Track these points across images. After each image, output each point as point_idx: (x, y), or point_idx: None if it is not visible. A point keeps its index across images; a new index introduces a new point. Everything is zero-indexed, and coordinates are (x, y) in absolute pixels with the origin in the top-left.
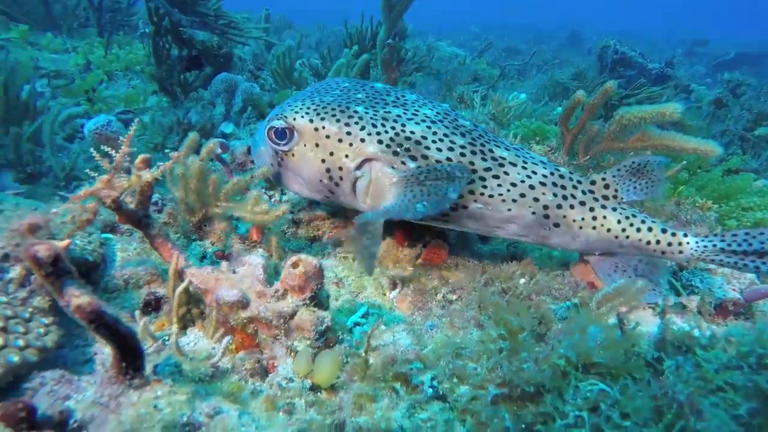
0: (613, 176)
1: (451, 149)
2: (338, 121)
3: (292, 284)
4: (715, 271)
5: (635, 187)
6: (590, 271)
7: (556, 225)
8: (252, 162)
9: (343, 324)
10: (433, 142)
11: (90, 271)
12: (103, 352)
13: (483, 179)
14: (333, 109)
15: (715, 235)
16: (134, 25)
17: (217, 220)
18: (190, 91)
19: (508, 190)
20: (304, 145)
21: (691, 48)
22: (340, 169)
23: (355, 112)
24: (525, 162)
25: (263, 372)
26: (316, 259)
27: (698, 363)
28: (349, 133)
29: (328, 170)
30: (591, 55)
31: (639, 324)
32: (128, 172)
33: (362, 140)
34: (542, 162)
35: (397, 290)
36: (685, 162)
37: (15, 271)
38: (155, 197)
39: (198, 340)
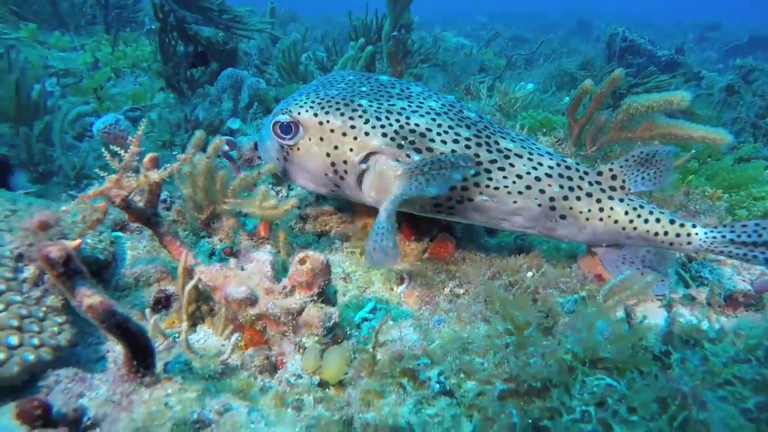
0: (621, 167)
1: (456, 141)
2: (342, 114)
3: (299, 280)
4: (724, 262)
5: (643, 178)
6: (598, 264)
7: (563, 217)
8: (259, 158)
9: (351, 320)
10: (438, 134)
11: (101, 270)
12: (115, 349)
13: (488, 171)
14: (337, 103)
15: (725, 225)
16: (140, 21)
17: (225, 216)
18: (197, 87)
19: (514, 182)
20: (309, 139)
21: (703, 33)
22: (345, 162)
23: (360, 105)
24: (531, 153)
25: (272, 368)
26: (323, 255)
27: (705, 356)
28: (353, 127)
29: (333, 164)
30: (599, 42)
31: (647, 317)
32: (137, 171)
33: (366, 133)
34: (548, 153)
35: (404, 285)
36: (694, 151)
37: (29, 271)
38: (164, 195)
39: (207, 337)
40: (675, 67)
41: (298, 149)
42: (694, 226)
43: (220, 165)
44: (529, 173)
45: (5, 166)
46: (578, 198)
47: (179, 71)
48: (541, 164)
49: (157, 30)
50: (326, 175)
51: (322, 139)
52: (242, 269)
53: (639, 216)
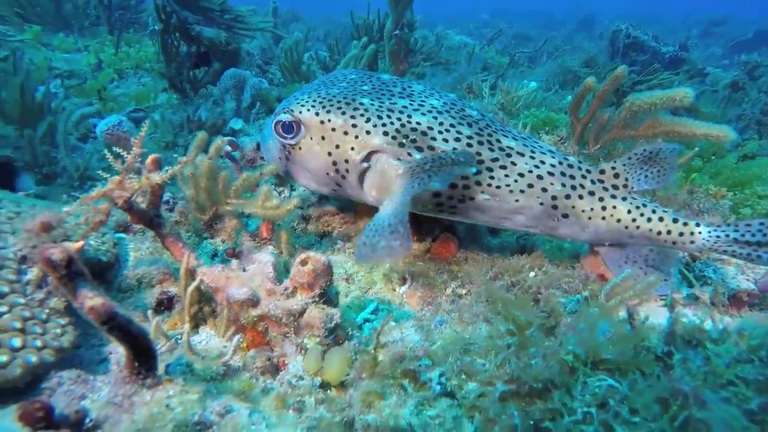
0: (623, 165)
1: (457, 140)
2: (344, 113)
3: (301, 281)
4: (728, 261)
5: (646, 176)
6: (600, 263)
7: (565, 216)
8: (262, 158)
9: (353, 320)
10: (440, 132)
11: (104, 271)
12: (118, 351)
13: (490, 170)
14: (339, 102)
15: (728, 224)
16: (143, 22)
17: (227, 217)
18: (200, 87)
19: (516, 181)
20: (311, 138)
21: (708, 28)
22: (347, 161)
23: (361, 104)
24: (533, 152)
25: (274, 370)
26: (324, 256)
27: (708, 357)
28: (354, 126)
29: (334, 163)
30: (603, 39)
31: (649, 317)
32: (140, 172)
33: (368, 132)
34: (551, 151)
35: (406, 285)
36: (697, 149)
37: (32, 273)
38: (166, 196)
39: (210, 339)
40: (679, 63)
41: (300, 148)
42: (697, 225)
43: (222, 166)
44: (531, 172)
45: (11, 169)
46: (580, 197)
47: (182, 72)
48: (543, 162)
49: (160, 31)
50: (328, 174)
51: (323, 138)
52: (244, 270)
53: (642, 215)
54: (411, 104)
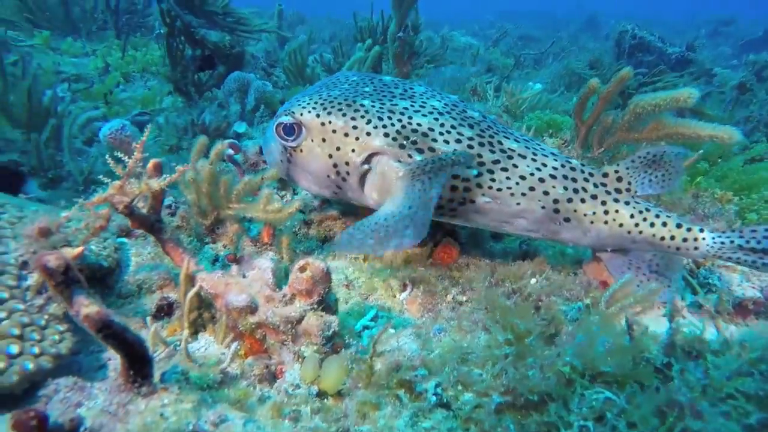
0: (627, 168)
1: (458, 141)
2: (344, 115)
3: (299, 288)
4: (733, 268)
5: (650, 180)
6: (603, 270)
7: (567, 219)
8: (264, 162)
9: (351, 328)
10: (441, 134)
11: (105, 277)
12: (116, 357)
13: (491, 172)
14: (339, 104)
15: (733, 230)
16: (150, 26)
17: (229, 222)
18: (205, 90)
19: (517, 183)
20: (312, 141)
21: (717, 28)
22: (347, 163)
23: (362, 105)
24: (535, 154)
25: (272, 378)
26: (323, 262)
27: (708, 369)
28: (355, 127)
29: (335, 165)
30: (609, 40)
31: (650, 327)
32: (142, 177)
33: (368, 134)
34: (553, 154)
35: (407, 292)
36: (702, 151)
37: (33, 279)
38: (169, 201)
39: (209, 345)
40: (686, 64)
41: (301, 151)
42: (701, 230)
43: (224, 170)
44: (532, 174)
45: (17, 174)
46: (583, 200)
47: (187, 75)
48: (545, 165)
49: (165, 35)
50: (328, 176)
51: (324, 140)
52: (244, 276)
53: (645, 219)
54: (412, 106)
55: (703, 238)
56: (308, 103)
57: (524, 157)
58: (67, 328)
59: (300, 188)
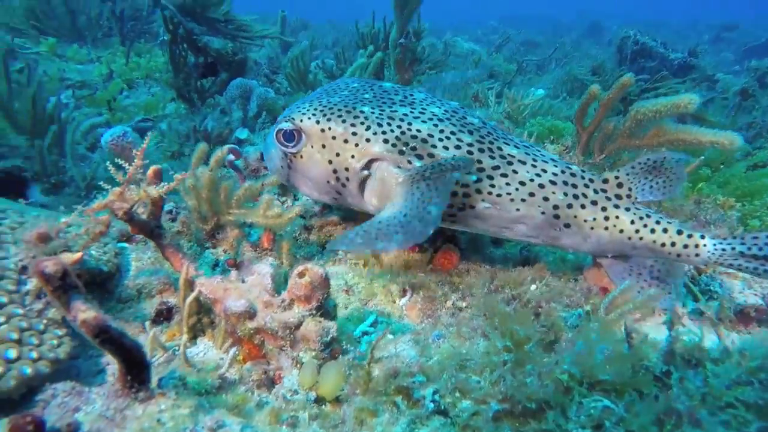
0: (627, 174)
1: (458, 147)
2: (344, 121)
3: (298, 294)
4: (735, 275)
5: (651, 186)
6: (604, 276)
7: (567, 225)
8: (266, 168)
9: (350, 334)
10: (440, 140)
11: (105, 281)
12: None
13: (491, 177)
14: (339, 110)
15: (735, 237)
16: (155, 32)
17: (229, 227)
18: (207, 97)
19: (517, 189)
20: (312, 147)
21: (719, 34)
22: (347, 169)
23: (361, 112)
24: (535, 160)
25: (270, 383)
26: (322, 268)
27: (707, 377)
28: (354, 134)
29: (334, 171)
30: (611, 46)
31: (650, 334)
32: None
33: (368, 140)
34: (553, 160)
35: (406, 297)
36: (703, 157)
37: (32, 283)
38: (170, 206)
39: (207, 350)
40: (688, 70)
41: (301, 157)
42: (702, 237)
43: (225, 176)
44: (532, 180)
45: (21, 180)
46: (583, 206)
47: (190, 82)
48: (545, 171)
49: (168, 42)
50: (328, 182)
51: (324, 146)
52: (243, 281)
53: (645, 225)
54: (412, 112)
55: (704, 245)
56: (308, 110)
57: (524, 163)
58: (65, 332)
59: (301, 194)
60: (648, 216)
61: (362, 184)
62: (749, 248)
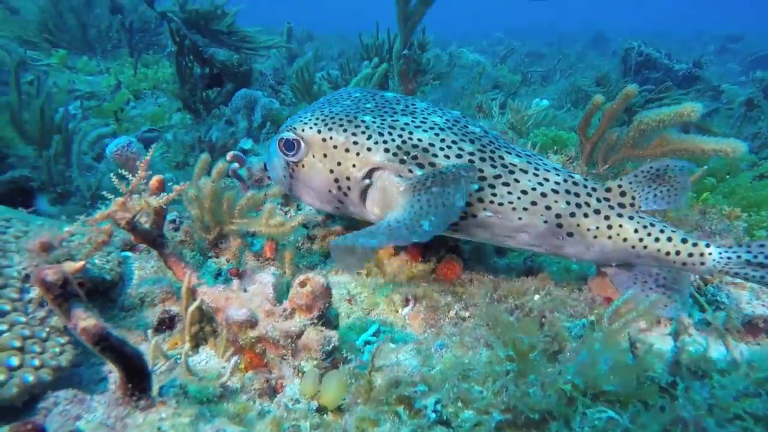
0: (630, 183)
1: (459, 156)
2: (345, 131)
3: (299, 303)
4: (743, 286)
5: (655, 195)
6: (608, 286)
7: (570, 234)
8: (269, 178)
9: (352, 343)
10: (441, 149)
11: (108, 290)
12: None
13: (492, 186)
14: (341, 119)
15: (740, 245)
16: (163, 44)
17: (232, 236)
18: (213, 107)
19: (519, 198)
20: (313, 156)
21: (725, 45)
22: (348, 179)
23: (363, 121)
24: (537, 169)
25: (272, 392)
26: (324, 278)
27: (714, 388)
28: (355, 143)
29: (336, 180)
30: (616, 57)
31: (654, 345)
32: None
33: (369, 149)
34: (555, 169)
35: (409, 307)
36: (706, 167)
37: (35, 291)
38: (173, 215)
39: (209, 359)
40: (693, 81)
41: (303, 166)
42: (707, 245)
43: (228, 186)
44: (534, 189)
45: (28, 189)
46: (585, 215)
47: (195, 93)
48: (547, 180)
49: (175, 53)
50: (330, 191)
51: (325, 155)
52: (245, 291)
53: (649, 234)
54: (413, 121)
55: (710, 253)
56: (310, 119)
57: (526, 172)
58: (67, 340)
59: (303, 204)
60: (652, 224)
61: (364, 193)
62: (755, 257)
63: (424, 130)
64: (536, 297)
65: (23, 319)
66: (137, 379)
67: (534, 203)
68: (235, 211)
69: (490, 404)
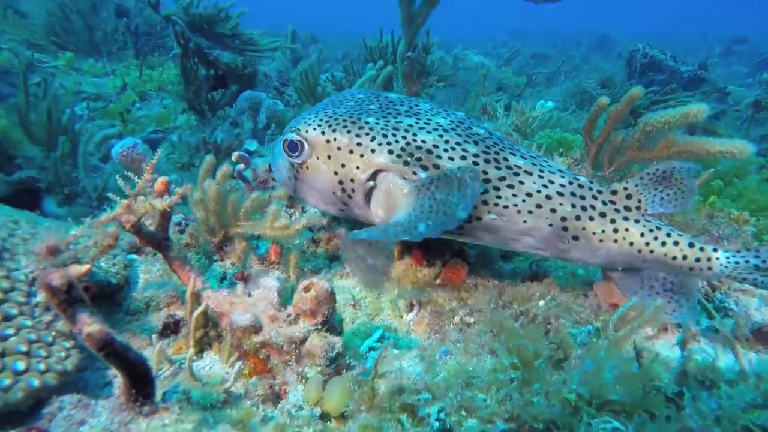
0: (636, 185)
1: (463, 158)
2: (349, 132)
3: (303, 308)
4: (752, 293)
5: (662, 198)
6: (614, 292)
7: (575, 238)
8: (274, 179)
9: (356, 349)
10: (445, 150)
11: (114, 293)
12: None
13: (497, 189)
14: (344, 121)
15: (749, 250)
16: (169, 46)
17: (237, 239)
18: (217, 109)
19: (524, 201)
20: (317, 158)
21: (730, 46)
22: (352, 180)
23: (366, 122)
24: (542, 171)
25: (275, 398)
26: (328, 283)
27: (721, 398)
28: (359, 144)
29: (340, 182)
30: (621, 59)
31: (660, 354)
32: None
33: (373, 151)
34: (560, 171)
35: (414, 312)
36: (713, 170)
37: (41, 295)
38: (178, 218)
39: (214, 364)
40: (698, 83)
41: (308, 168)
42: (715, 250)
43: (233, 188)
44: (539, 191)
45: (35, 190)
46: (591, 218)
47: (200, 94)
48: (552, 182)
49: (180, 55)
50: (334, 193)
51: (329, 157)
52: (249, 295)
53: (656, 238)
54: (417, 123)
55: (717, 258)
56: (314, 121)
57: (531, 174)
58: (73, 344)
59: (309, 206)
60: (658, 228)
61: (368, 195)
62: (764, 261)
63: (428, 132)
64: (541, 303)
65: (30, 322)
66: (141, 384)
67: (539, 206)
68: (239, 214)
69: (493, 413)
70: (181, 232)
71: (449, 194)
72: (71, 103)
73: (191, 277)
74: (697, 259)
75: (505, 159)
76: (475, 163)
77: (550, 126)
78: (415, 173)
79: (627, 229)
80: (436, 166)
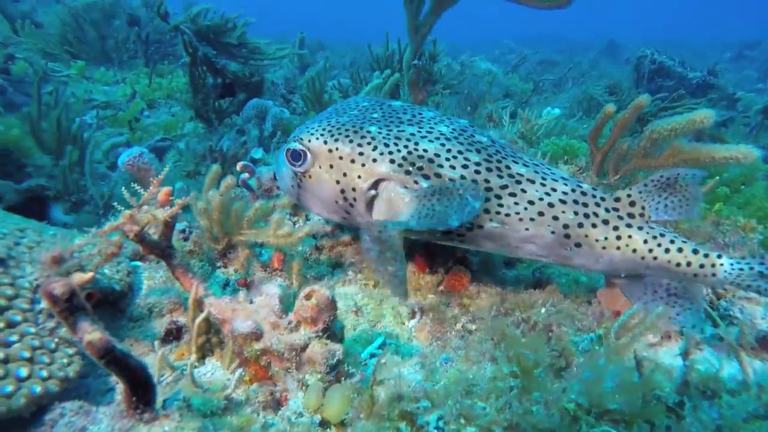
0: (640, 192)
1: (465, 167)
2: (351, 141)
3: (304, 316)
4: (756, 300)
5: (666, 205)
6: (617, 299)
7: (578, 245)
8: (278, 188)
9: (357, 356)
10: (447, 159)
11: (117, 300)
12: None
13: (499, 197)
14: (347, 130)
15: (754, 257)
16: (178, 54)
17: (240, 247)
18: (225, 117)
19: (526, 209)
20: (320, 167)
21: (741, 51)
22: (354, 189)
23: (368, 132)
24: (544, 178)
25: (276, 405)
26: (329, 290)
27: (723, 408)
28: (361, 154)
29: (342, 191)
30: (629, 65)
31: (662, 362)
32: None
33: (374, 160)
34: (563, 178)
35: (416, 319)
36: (718, 178)
37: (45, 302)
38: (183, 225)
39: (215, 370)
40: (707, 89)
41: (310, 177)
42: (719, 256)
43: (236, 196)
44: (541, 199)
45: (43, 198)
46: (594, 225)
47: (208, 102)
48: (554, 190)
49: (188, 64)
50: (337, 202)
51: (332, 166)
52: (251, 302)
53: (659, 245)
54: (419, 131)
55: (721, 264)
56: (316, 130)
57: (533, 182)
58: (76, 351)
59: (312, 214)
60: (662, 235)
61: (370, 204)
62: None
63: (430, 141)
64: (542, 310)
65: (33, 329)
66: (141, 391)
67: (541, 213)
68: (243, 222)
69: (492, 421)
70: (185, 239)
71: (448, 205)
72: (82, 111)
73: (194, 284)
74: (701, 266)
75: (508, 167)
76: (477, 172)
77: (555, 133)
78: (416, 182)
79: (630, 236)
80: (438, 175)
